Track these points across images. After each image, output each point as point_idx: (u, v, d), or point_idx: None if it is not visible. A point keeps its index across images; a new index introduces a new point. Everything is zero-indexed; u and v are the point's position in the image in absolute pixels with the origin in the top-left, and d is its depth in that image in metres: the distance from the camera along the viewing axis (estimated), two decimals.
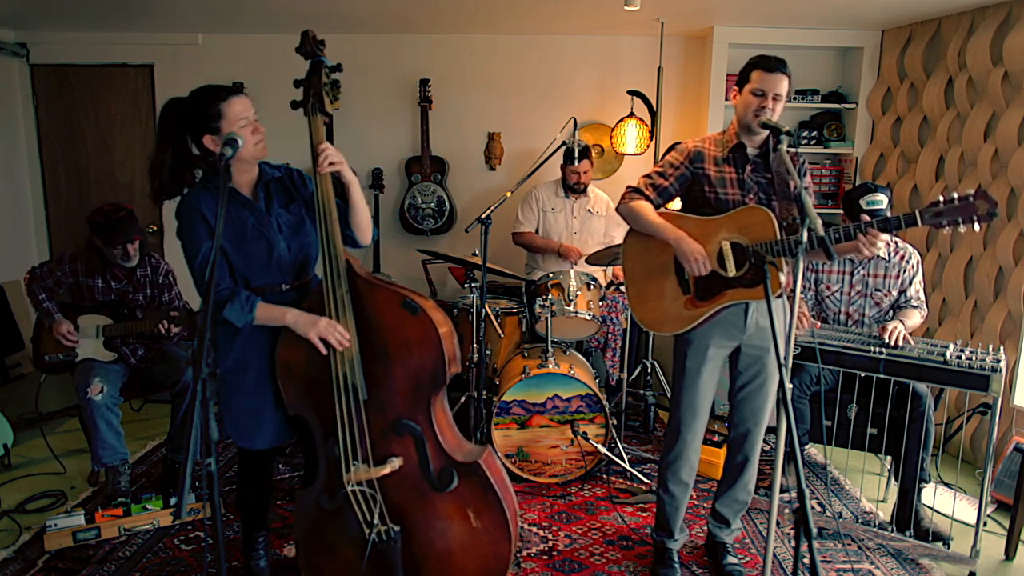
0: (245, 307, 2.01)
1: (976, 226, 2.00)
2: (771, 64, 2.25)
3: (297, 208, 2.19)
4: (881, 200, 2.86)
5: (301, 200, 2.20)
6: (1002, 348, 2.76)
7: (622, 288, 3.94)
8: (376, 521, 2.07)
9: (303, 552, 2.21)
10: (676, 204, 2.49)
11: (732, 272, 2.28)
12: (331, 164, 2.00)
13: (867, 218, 2.15)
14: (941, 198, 2.05)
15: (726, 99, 4.45)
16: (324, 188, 2.00)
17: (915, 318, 2.94)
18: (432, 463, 2.09)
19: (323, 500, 2.14)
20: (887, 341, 2.68)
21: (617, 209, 2.48)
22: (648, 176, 2.43)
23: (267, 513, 2.44)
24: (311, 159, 2.02)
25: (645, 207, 2.39)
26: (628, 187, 2.46)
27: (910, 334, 2.75)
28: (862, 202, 2.86)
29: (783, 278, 2.21)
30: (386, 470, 2.05)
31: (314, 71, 2.04)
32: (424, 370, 2.04)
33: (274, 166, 2.18)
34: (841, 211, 3.12)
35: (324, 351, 2.00)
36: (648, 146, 4.45)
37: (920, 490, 2.85)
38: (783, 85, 2.25)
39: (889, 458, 3.23)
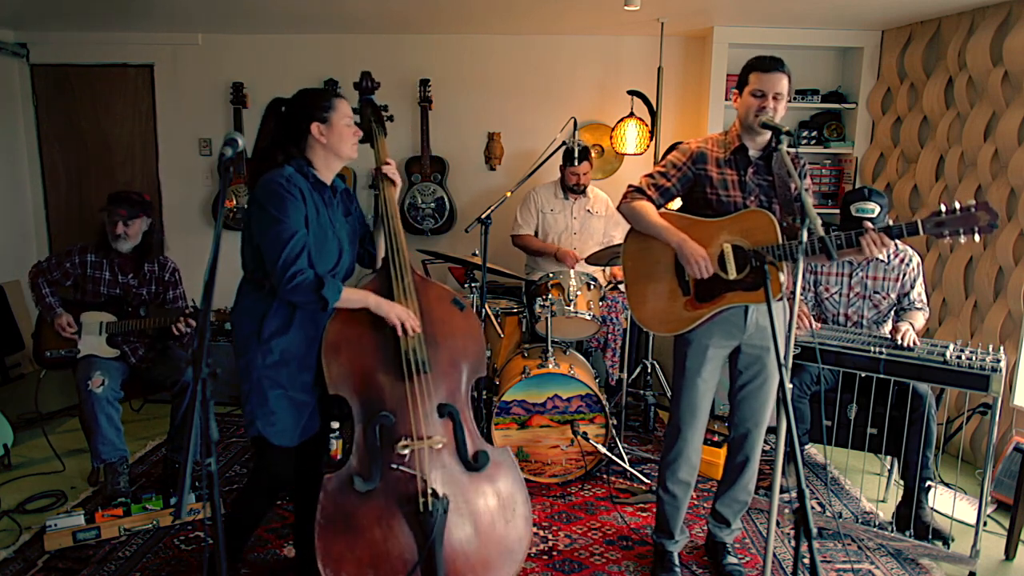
0: (335, 288, 2.09)
1: (976, 237, 2.03)
2: (767, 64, 2.25)
3: (353, 221, 2.34)
4: (873, 209, 2.84)
5: (354, 212, 2.36)
6: (1002, 348, 2.76)
7: (622, 288, 3.94)
8: (433, 488, 2.14)
9: (323, 541, 2.15)
10: (676, 203, 2.49)
11: (733, 275, 2.28)
12: (394, 174, 2.34)
13: (869, 225, 2.15)
14: (943, 207, 2.06)
15: (726, 99, 4.44)
16: (389, 193, 2.33)
17: (920, 320, 2.96)
18: (468, 445, 2.24)
19: (356, 482, 2.14)
20: (900, 342, 2.67)
21: (619, 208, 2.48)
22: (650, 176, 2.42)
23: (247, 541, 2.44)
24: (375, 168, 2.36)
25: (647, 208, 2.38)
26: (630, 186, 2.45)
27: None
28: (852, 209, 2.86)
29: (783, 279, 2.21)
30: (437, 442, 2.17)
31: (367, 104, 2.45)
32: (467, 361, 2.29)
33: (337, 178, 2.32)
34: (839, 212, 3.12)
35: (400, 332, 2.17)
36: (648, 146, 4.45)
37: (928, 489, 2.86)
38: (782, 83, 2.25)
39: (890, 458, 3.23)
